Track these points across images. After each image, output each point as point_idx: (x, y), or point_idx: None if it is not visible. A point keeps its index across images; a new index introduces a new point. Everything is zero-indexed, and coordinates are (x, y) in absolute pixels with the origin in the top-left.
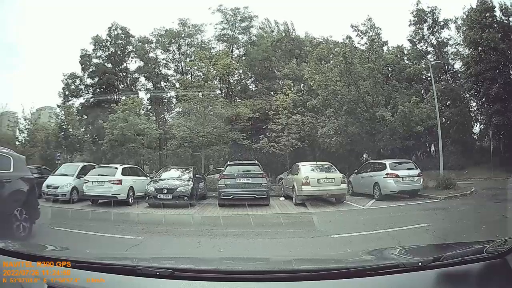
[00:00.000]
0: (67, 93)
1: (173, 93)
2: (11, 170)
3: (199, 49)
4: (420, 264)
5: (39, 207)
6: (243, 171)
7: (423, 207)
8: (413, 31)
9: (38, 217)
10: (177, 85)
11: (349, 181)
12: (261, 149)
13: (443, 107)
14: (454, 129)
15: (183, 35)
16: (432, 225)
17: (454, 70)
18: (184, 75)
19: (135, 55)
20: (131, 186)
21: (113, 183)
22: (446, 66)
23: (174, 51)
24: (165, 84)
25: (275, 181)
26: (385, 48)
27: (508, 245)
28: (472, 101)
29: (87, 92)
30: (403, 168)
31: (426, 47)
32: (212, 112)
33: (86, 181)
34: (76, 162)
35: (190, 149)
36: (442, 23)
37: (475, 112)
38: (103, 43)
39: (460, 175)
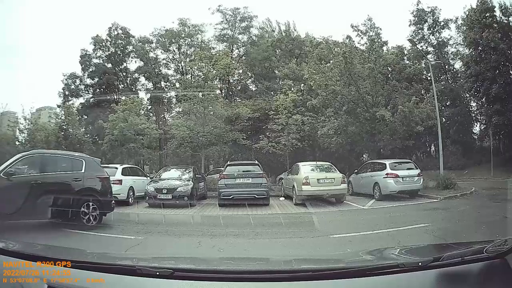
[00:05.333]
0: (67, 93)
1: (173, 93)
2: (83, 171)
3: (199, 49)
4: (420, 264)
5: (112, 202)
6: (243, 171)
7: (423, 207)
8: (413, 31)
9: (111, 211)
10: (177, 85)
11: (349, 181)
12: (261, 149)
13: (443, 107)
14: (454, 129)
15: (183, 35)
16: (432, 225)
17: (454, 70)
18: (184, 75)
19: (135, 55)
20: (131, 186)
21: (113, 183)
22: (446, 66)
23: (174, 51)
24: (165, 84)
25: (275, 181)
26: (385, 48)
27: (508, 245)
28: (472, 101)
29: (87, 92)
30: (403, 168)
31: (426, 47)
32: (212, 112)
33: None
34: None
35: (190, 149)
36: (442, 23)
37: (475, 112)
38: (103, 43)
39: (460, 175)
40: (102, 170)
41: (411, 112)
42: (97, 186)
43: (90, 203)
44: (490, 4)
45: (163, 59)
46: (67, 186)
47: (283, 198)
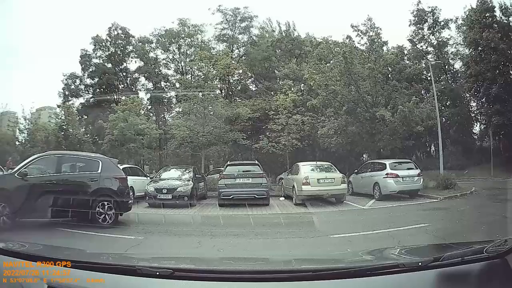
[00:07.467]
0: (67, 93)
1: (173, 93)
2: (99, 171)
3: (199, 49)
4: (420, 264)
5: (130, 202)
6: (243, 171)
7: (423, 207)
8: (413, 31)
9: (127, 210)
10: (177, 85)
11: (349, 181)
12: (261, 149)
13: (443, 107)
14: (454, 129)
15: (183, 35)
16: (432, 225)
17: (454, 70)
18: (184, 75)
19: (135, 55)
20: (131, 186)
21: None
22: (446, 66)
23: (174, 51)
24: (165, 84)
25: (275, 181)
26: (385, 48)
27: (508, 245)
28: (472, 101)
29: (87, 92)
30: (403, 168)
31: (426, 47)
32: (212, 112)
33: None
34: None
35: (190, 149)
36: (442, 23)
37: (475, 112)
38: (103, 43)
39: (460, 175)
40: (119, 170)
41: (411, 112)
42: (113, 186)
43: (106, 203)
44: (490, 4)
45: (163, 59)
46: (83, 187)
47: (283, 198)
